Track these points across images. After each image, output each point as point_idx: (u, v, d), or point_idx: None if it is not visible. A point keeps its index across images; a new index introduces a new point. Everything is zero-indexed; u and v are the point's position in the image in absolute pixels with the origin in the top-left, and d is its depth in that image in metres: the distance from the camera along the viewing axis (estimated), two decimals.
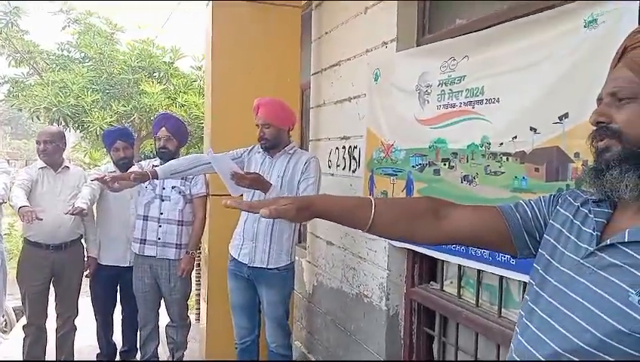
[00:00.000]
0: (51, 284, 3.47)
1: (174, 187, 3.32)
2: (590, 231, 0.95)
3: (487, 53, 2.11)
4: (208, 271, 3.67)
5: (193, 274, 3.62)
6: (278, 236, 2.87)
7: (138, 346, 3.61)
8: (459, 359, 2.51)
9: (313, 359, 3.78)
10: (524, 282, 1.84)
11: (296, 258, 3.17)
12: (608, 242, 0.90)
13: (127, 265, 3.52)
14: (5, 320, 6.54)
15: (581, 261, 0.93)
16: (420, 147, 2.47)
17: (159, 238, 3.30)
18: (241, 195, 2.88)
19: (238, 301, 3.02)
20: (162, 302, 3.49)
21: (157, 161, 3.38)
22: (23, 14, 8.52)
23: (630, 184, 0.88)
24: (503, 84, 2.02)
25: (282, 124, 2.89)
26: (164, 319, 3.56)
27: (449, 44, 2.36)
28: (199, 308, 4.50)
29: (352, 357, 3.17)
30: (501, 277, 2.18)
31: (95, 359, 3.81)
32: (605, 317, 0.84)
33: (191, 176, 3.28)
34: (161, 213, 3.30)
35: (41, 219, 3.08)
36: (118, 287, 3.68)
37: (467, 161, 2.17)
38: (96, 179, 2.88)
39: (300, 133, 4.17)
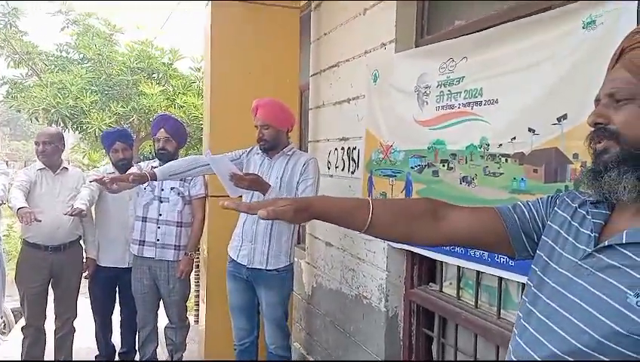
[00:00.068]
0: (50, 286, 3.46)
1: (173, 188, 3.32)
2: (588, 232, 0.95)
3: (486, 54, 2.11)
4: (207, 272, 3.67)
5: (192, 275, 3.62)
6: (277, 237, 2.86)
7: (137, 347, 3.61)
8: (458, 360, 2.51)
9: (312, 360, 3.77)
10: (523, 283, 1.84)
11: (296, 259, 3.16)
12: (606, 243, 0.90)
13: (126, 266, 3.52)
14: (4, 322, 6.54)
15: (579, 262, 0.93)
16: (419, 148, 2.47)
17: (158, 240, 3.30)
18: (240, 197, 2.88)
19: (237, 302, 3.02)
20: (161, 303, 3.49)
21: (156, 163, 3.38)
22: (22, 15, 8.53)
23: (628, 186, 0.88)
24: (501, 85, 2.02)
25: (281, 125, 2.89)
26: (162, 320, 3.55)
27: (448, 45, 2.36)
28: (198, 310, 4.50)
29: (351, 359, 3.17)
30: (500, 279, 2.18)
31: (94, 360, 3.80)
32: (603, 318, 0.84)
33: (190, 178, 3.27)
34: (160, 215, 3.30)
35: (40, 221, 3.07)
36: (117, 289, 3.68)
37: (466, 162, 2.17)
38: (95, 180, 2.87)
39: (299, 134, 4.17)
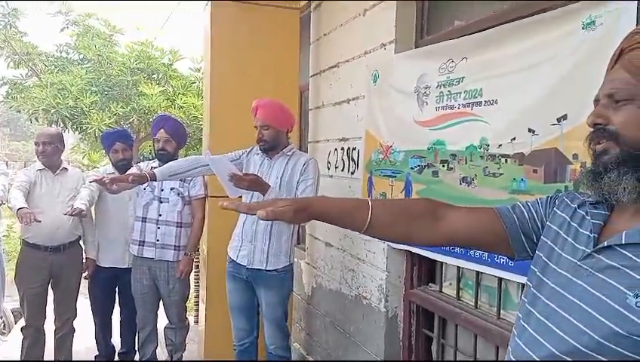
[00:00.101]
0: (50, 286, 3.47)
1: (173, 189, 3.32)
2: (587, 233, 0.95)
3: (486, 54, 2.11)
4: (207, 272, 3.67)
5: (192, 275, 3.62)
6: (277, 237, 2.86)
7: (136, 348, 3.61)
8: (458, 360, 2.51)
9: (312, 360, 3.77)
10: (523, 284, 1.84)
11: (295, 259, 3.16)
12: (605, 244, 0.90)
13: (126, 266, 3.52)
14: (4, 322, 6.53)
15: (578, 263, 0.93)
16: (419, 148, 2.47)
17: (158, 240, 3.30)
18: (240, 197, 2.88)
19: (237, 302, 3.02)
20: (161, 303, 3.49)
21: (156, 163, 3.38)
22: (22, 16, 8.52)
23: (628, 186, 0.88)
24: (501, 86, 2.03)
25: (281, 125, 2.89)
26: (162, 321, 3.55)
27: (447, 46, 2.36)
28: (198, 310, 4.50)
29: (351, 359, 3.17)
30: (500, 279, 2.18)
31: (93, 360, 3.80)
32: (603, 319, 0.84)
33: (190, 178, 3.27)
34: (160, 215, 3.30)
35: (40, 221, 3.07)
36: (117, 289, 3.68)
37: (466, 163, 2.17)
38: (95, 180, 2.88)
39: (299, 135, 4.17)
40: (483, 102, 2.10)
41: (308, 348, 3.88)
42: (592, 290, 0.88)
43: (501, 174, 2.00)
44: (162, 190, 3.32)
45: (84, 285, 3.64)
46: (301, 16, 3.89)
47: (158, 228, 3.30)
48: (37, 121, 8.00)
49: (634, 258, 0.85)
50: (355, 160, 3.15)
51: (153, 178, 2.88)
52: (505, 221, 1.10)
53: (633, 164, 0.88)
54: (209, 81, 3.70)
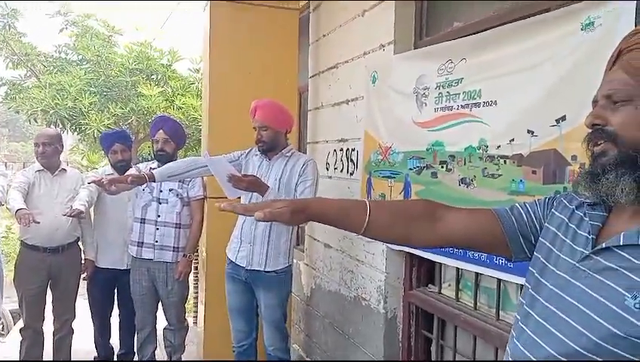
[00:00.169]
0: (48, 287, 3.46)
1: (172, 190, 3.32)
2: (585, 234, 0.95)
3: (485, 55, 2.11)
4: (206, 273, 3.66)
5: (191, 276, 3.62)
6: (276, 239, 2.86)
7: (135, 349, 3.60)
8: (457, 361, 2.51)
9: (311, 361, 3.78)
10: (522, 285, 1.84)
11: (294, 261, 3.16)
12: (604, 245, 0.90)
13: (125, 267, 3.51)
14: (2, 323, 6.53)
15: (577, 264, 0.93)
16: (418, 150, 2.47)
17: (156, 241, 3.29)
18: (239, 198, 2.88)
19: (236, 304, 3.02)
20: (160, 304, 3.48)
21: (154, 164, 3.37)
22: (21, 16, 8.54)
23: (626, 188, 0.88)
24: (500, 87, 2.03)
25: (280, 126, 2.88)
26: (161, 322, 3.55)
27: (446, 47, 2.36)
28: (197, 311, 4.49)
29: (350, 360, 3.16)
30: (499, 280, 2.18)
31: (92, 361, 3.80)
32: (601, 320, 0.84)
33: (188, 179, 3.27)
34: (159, 216, 3.30)
35: (38, 222, 3.07)
36: (116, 290, 3.67)
37: (465, 164, 2.17)
38: (94, 181, 2.87)
39: (298, 136, 4.17)
40: (482, 104, 2.10)
41: (307, 349, 3.87)
42: (590, 292, 0.88)
43: (500, 175, 1.99)
44: (161, 191, 3.31)
45: (83, 286, 3.64)
46: (300, 16, 3.89)
47: (157, 229, 3.29)
48: (36, 121, 8.01)
49: (632, 259, 0.85)
50: (354, 161, 3.15)
51: (152, 179, 2.88)
52: (503, 222, 1.10)
53: (631, 165, 0.88)
54: (208, 81, 3.70)
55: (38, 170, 3.41)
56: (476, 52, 2.15)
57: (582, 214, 0.99)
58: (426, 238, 1.14)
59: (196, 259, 4.35)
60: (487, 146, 2.06)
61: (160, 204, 3.30)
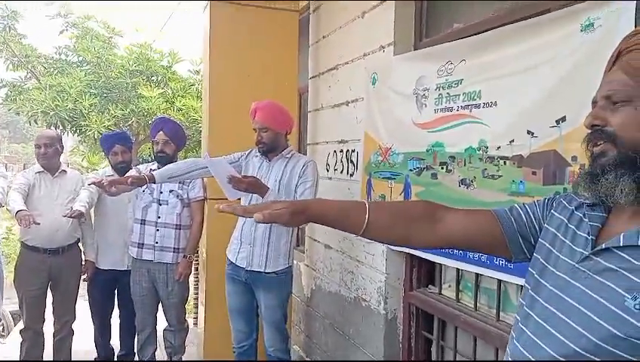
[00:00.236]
0: (49, 288, 3.46)
1: (172, 191, 3.32)
2: (585, 235, 0.95)
3: (485, 57, 2.11)
4: (206, 274, 3.66)
5: (191, 278, 3.62)
6: (276, 240, 2.86)
7: (136, 350, 3.60)
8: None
9: None
10: (522, 286, 1.84)
11: (294, 262, 3.16)
12: (603, 246, 0.90)
13: (125, 268, 3.51)
14: (3, 325, 6.53)
15: (576, 265, 0.93)
16: (418, 151, 2.47)
17: (157, 242, 3.29)
18: (239, 199, 2.88)
19: (236, 305, 3.02)
20: (160, 305, 3.48)
21: (155, 165, 3.37)
22: (21, 18, 8.54)
23: (625, 188, 0.87)
24: (500, 88, 2.03)
25: (280, 127, 2.88)
26: (161, 323, 3.55)
27: (446, 48, 2.36)
28: (197, 312, 4.49)
29: (351, 361, 3.16)
30: (499, 281, 2.18)
31: None
32: (601, 321, 0.84)
33: (189, 180, 3.27)
34: (159, 217, 3.30)
35: (39, 223, 3.07)
36: (116, 291, 3.67)
37: (465, 165, 2.17)
38: (94, 183, 2.87)
39: (298, 137, 4.17)
40: (482, 105, 2.10)
41: (307, 350, 3.87)
42: (590, 293, 0.88)
43: (500, 176, 2.00)
44: (161, 192, 3.31)
45: (84, 287, 3.64)
46: (300, 18, 3.90)
47: (157, 230, 3.29)
48: (36, 123, 8.01)
49: (632, 260, 0.85)
50: (355, 162, 3.15)
51: (152, 180, 2.88)
52: (502, 223, 1.10)
53: (630, 166, 0.88)
54: (208, 82, 3.70)
55: (39, 172, 3.41)
56: (476, 53, 2.15)
57: (581, 215, 0.99)
58: (425, 239, 1.14)
59: (196, 260, 4.35)
60: (487, 147, 2.06)
61: (160, 205, 3.30)
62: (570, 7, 1.75)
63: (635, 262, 0.84)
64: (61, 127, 7.74)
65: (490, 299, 2.31)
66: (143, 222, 3.31)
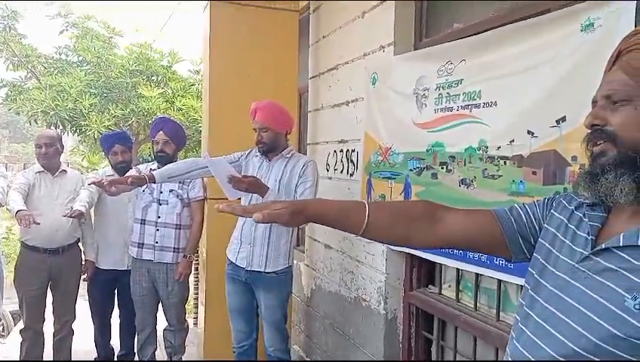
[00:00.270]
0: (49, 288, 3.46)
1: (172, 191, 3.32)
2: (585, 235, 0.95)
3: (485, 56, 2.11)
4: (206, 274, 3.66)
5: (191, 277, 3.62)
6: (276, 240, 2.86)
7: (136, 350, 3.60)
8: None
9: None
10: (522, 286, 1.84)
11: (295, 261, 3.16)
12: (603, 246, 0.90)
13: (125, 268, 3.51)
14: (3, 325, 6.53)
15: (576, 265, 0.93)
16: (418, 150, 2.47)
17: (157, 242, 3.29)
18: (239, 199, 2.88)
19: (236, 304, 3.02)
20: (160, 305, 3.49)
21: (155, 165, 3.37)
22: (21, 18, 8.54)
23: (625, 188, 0.87)
24: (500, 88, 2.03)
25: (280, 127, 2.88)
26: (161, 323, 3.55)
27: (446, 48, 2.36)
28: (197, 312, 4.49)
29: (351, 361, 3.16)
30: (499, 281, 2.18)
31: None
32: (601, 321, 0.84)
33: (189, 180, 3.27)
34: (159, 217, 3.30)
35: (39, 223, 3.06)
36: (116, 291, 3.67)
37: (465, 165, 2.17)
38: (94, 183, 2.87)
39: (298, 137, 4.17)
40: (482, 104, 2.10)
41: (307, 350, 3.87)
42: (590, 293, 0.87)
43: (500, 176, 2.00)
44: (161, 192, 3.31)
45: (84, 287, 3.64)
46: (300, 18, 3.90)
47: (157, 230, 3.29)
48: (36, 123, 8.02)
49: (632, 260, 0.84)
50: (355, 162, 3.15)
51: (152, 180, 2.88)
52: (502, 223, 1.10)
53: (630, 166, 0.88)
54: (208, 82, 3.70)
55: (39, 172, 3.41)
56: (476, 53, 2.15)
57: (581, 215, 0.99)
58: (425, 239, 1.14)
59: (196, 260, 4.35)
60: (488, 147, 2.06)
61: (160, 205, 3.30)
62: (570, 7, 1.75)
63: (634, 262, 0.84)
64: (61, 127, 7.74)
65: (490, 299, 2.31)
66: (143, 221, 3.31)
